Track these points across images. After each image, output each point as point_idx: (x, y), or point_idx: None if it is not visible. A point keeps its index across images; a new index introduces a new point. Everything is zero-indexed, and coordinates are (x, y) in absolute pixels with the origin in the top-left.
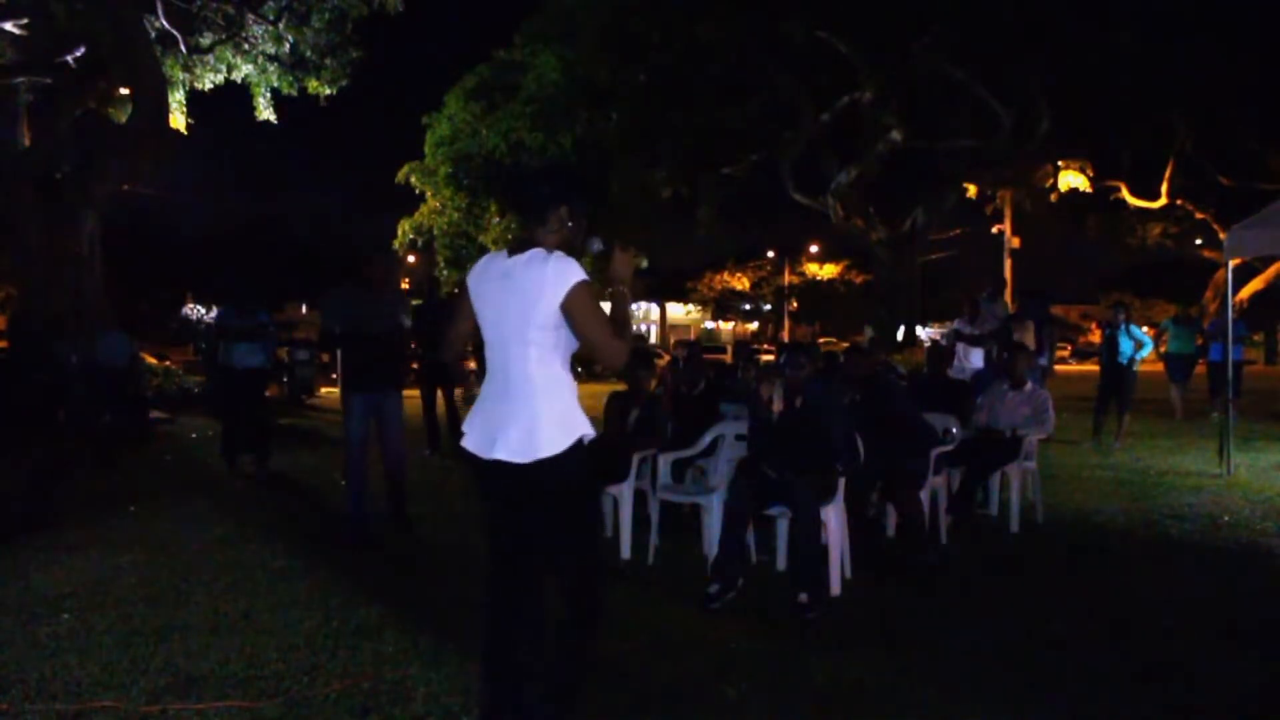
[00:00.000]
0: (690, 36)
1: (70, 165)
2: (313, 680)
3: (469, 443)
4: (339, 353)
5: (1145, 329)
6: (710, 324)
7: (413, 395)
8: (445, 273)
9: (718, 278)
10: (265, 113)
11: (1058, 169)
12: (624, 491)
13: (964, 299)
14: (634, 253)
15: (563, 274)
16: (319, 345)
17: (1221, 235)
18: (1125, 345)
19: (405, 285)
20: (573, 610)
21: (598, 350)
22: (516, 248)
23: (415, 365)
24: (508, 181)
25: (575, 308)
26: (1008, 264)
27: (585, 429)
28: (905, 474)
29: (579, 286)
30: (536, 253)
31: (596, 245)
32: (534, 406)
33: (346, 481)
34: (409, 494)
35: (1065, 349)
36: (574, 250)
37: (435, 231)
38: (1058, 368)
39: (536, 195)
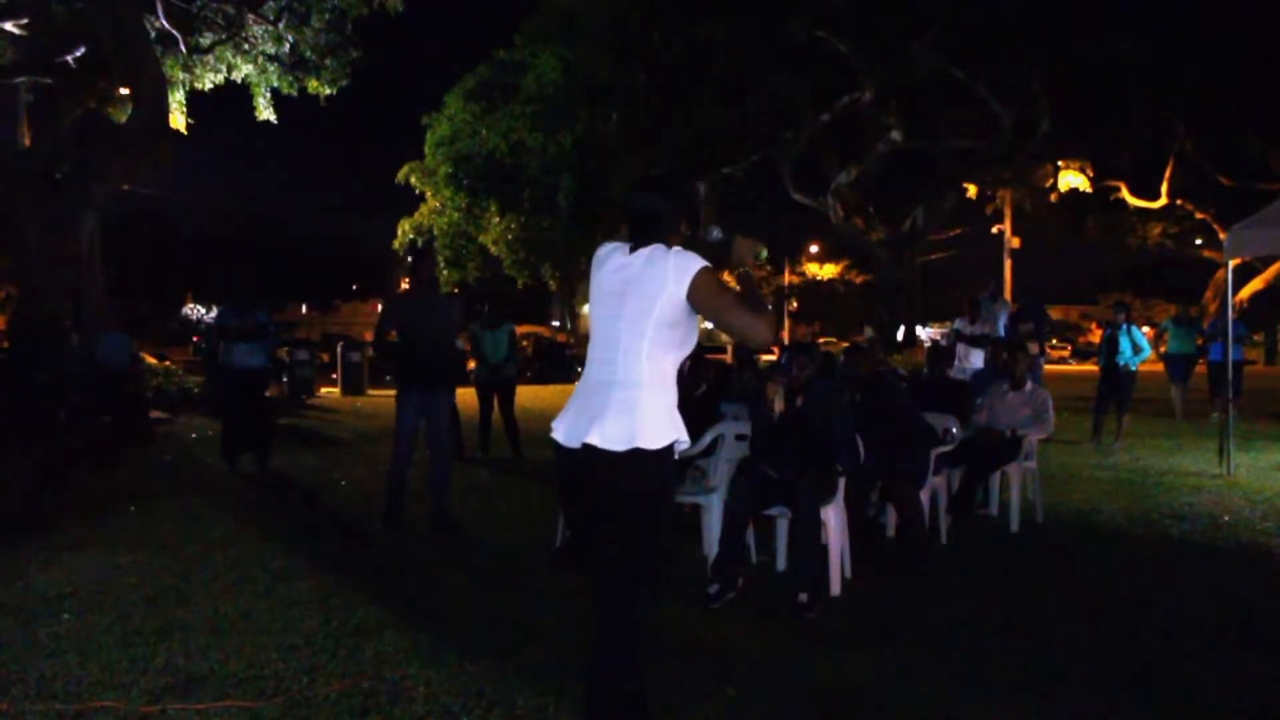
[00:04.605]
0: (690, 36)
1: (70, 165)
2: (313, 680)
3: (558, 433)
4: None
5: (1145, 329)
6: (710, 324)
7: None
8: (445, 272)
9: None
10: (265, 113)
11: (1058, 169)
12: None
13: (965, 300)
14: (754, 240)
15: (684, 267)
16: (374, 348)
17: (1221, 235)
18: (1125, 346)
19: (405, 285)
20: (610, 616)
21: (741, 330)
22: (638, 246)
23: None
24: (629, 205)
25: (704, 295)
26: (1008, 264)
27: (683, 435)
28: (905, 474)
29: (702, 273)
30: (658, 248)
31: (715, 234)
32: (640, 399)
33: (390, 472)
34: (414, 494)
35: (1065, 349)
36: (690, 245)
37: (435, 231)
38: (1056, 368)
39: (658, 215)
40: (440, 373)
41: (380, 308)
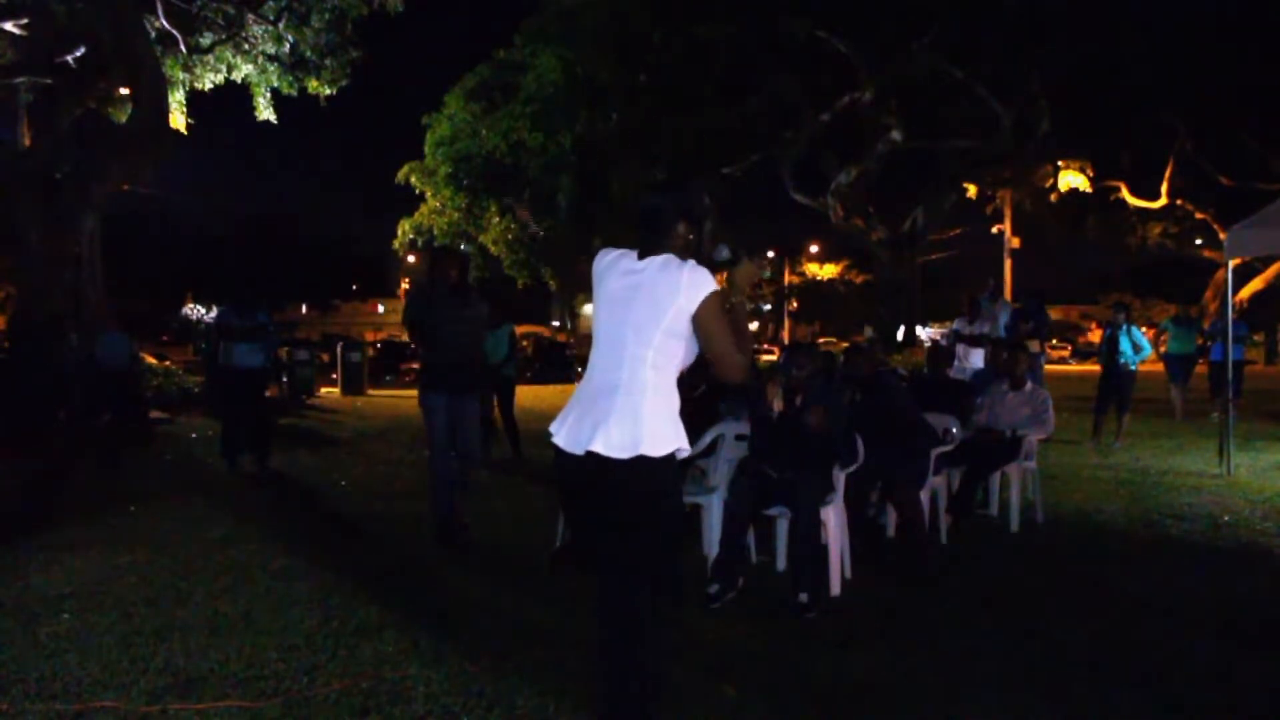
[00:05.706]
0: (690, 36)
1: (70, 165)
2: (313, 680)
3: (560, 439)
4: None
5: (1145, 330)
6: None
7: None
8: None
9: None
10: (265, 113)
11: (1058, 169)
12: None
13: (964, 299)
14: (760, 263)
15: (698, 283)
16: (410, 337)
17: (1221, 235)
18: (1125, 346)
19: (405, 285)
20: (613, 616)
21: (721, 362)
22: (645, 252)
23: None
24: (641, 208)
25: (707, 318)
26: (1008, 264)
27: (684, 443)
28: (905, 474)
29: (713, 297)
30: (670, 258)
31: (724, 253)
32: (643, 406)
33: (432, 484)
34: (414, 493)
35: (1065, 349)
36: (697, 259)
37: (435, 231)
38: (1057, 368)
39: (660, 212)
40: (468, 377)
41: (406, 302)
